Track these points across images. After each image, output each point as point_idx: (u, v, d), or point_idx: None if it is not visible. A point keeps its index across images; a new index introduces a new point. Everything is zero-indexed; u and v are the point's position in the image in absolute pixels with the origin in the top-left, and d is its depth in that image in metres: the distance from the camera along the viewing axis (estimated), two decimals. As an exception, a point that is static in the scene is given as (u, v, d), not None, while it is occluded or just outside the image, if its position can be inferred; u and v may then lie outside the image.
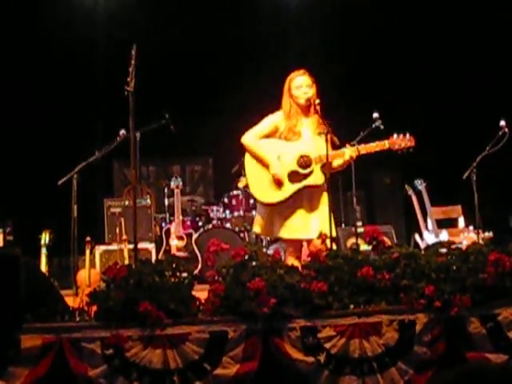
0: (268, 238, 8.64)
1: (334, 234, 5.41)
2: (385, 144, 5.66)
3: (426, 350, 4.32)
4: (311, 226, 5.54)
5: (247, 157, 5.75)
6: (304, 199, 5.62)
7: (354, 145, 5.70)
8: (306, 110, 5.71)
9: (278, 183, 5.58)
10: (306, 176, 5.60)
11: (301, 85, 5.67)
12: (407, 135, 5.67)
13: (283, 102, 5.74)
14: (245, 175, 5.90)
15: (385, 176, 11.02)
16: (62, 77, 9.90)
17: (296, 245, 5.69)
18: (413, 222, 9.58)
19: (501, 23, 9.94)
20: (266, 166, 5.64)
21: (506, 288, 4.46)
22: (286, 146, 5.64)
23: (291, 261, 5.49)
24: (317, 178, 5.58)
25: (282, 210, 5.62)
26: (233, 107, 9.96)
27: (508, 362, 4.35)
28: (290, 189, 5.59)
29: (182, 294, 4.31)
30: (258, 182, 5.70)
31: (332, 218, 5.41)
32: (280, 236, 5.71)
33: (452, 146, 9.85)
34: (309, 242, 5.57)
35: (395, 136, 5.67)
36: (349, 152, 5.60)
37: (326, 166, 5.46)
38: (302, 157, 5.61)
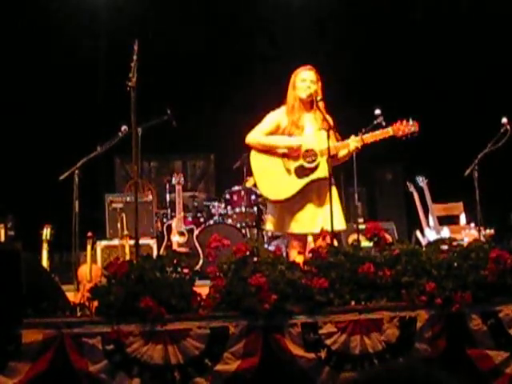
0: (269, 234, 8.64)
1: (340, 228, 5.46)
2: (389, 131, 5.66)
3: (426, 346, 4.32)
4: (318, 220, 5.55)
5: (253, 155, 5.74)
6: (312, 193, 5.63)
7: (358, 135, 5.69)
8: (308, 104, 5.71)
9: (312, 154, 5.59)
10: (312, 170, 5.60)
11: (305, 79, 5.68)
12: (410, 121, 5.66)
13: (288, 96, 5.75)
14: (251, 174, 5.90)
15: (386, 173, 11.03)
16: (64, 72, 9.90)
17: (301, 239, 5.70)
18: (414, 218, 9.58)
19: (503, 20, 9.92)
20: (279, 155, 5.64)
21: (507, 285, 4.46)
22: (290, 140, 5.65)
23: (294, 255, 5.50)
24: (324, 170, 5.57)
25: (291, 206, 5.62)
26: (234, 103, 9.96)
27: (508, 358, 4.36)
28: (297, 184, 5.59)
29: (183, 290, 4.32)
30: (266, 180, 5.70)
31: (341, 213, 5.49)
32: (290, 231, 5.71)
33: (454, 143, 9.85)
34: (314, 236, 5.57)
35: (398, 122, 5.67)
36: (353, 143, 5.60)
37: (329, 161, 5.46)
38: (307, 151, 5.61)
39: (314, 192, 5.63)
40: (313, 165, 5.60)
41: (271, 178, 5.67)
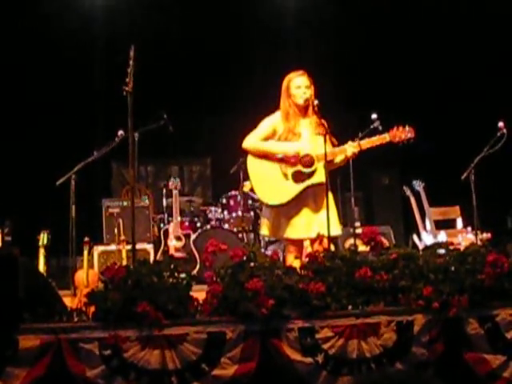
0: (266, 239, 8.64)
1: (336, 233, 5.46)
2: (385, 137, 5.67)
3: (424, 351, 4.31)
4: (315, 225, 5.54)
5: (250, 160, 5.74)
6: (309, 199, 5.62)
7: (355, 141, 5.70)
8: (304, 110, 5.71)
9: (310, 159, 5.60)
10: (310, 175, 5.61)
11: (299, 85, 5.67)
12: (406, 127, 5.67)
13: (282, 103, 5.74)
14: (248, 179, 5.89)
15: (383, 177, 11.04)
16: (61, 77, 9.90)
17: (297, 244, 5.69)
18: (411, 222, 9.58)
19: (501, 24, 9.95)
20: (276, 160, 5.64)
21: (504, 289, 4.46)
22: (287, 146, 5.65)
23: (291, 260, 5.49)
24: (321, 176, 5.57)
25: (287, 211, 5.62)
26: (231, 108, 9.97)
27: (506, 362, 4.36)
28: (294, 189, 5.59)
29: (181, 295, 4.31)
30: (263, 185, 5.69)
31: (337, 218, 5.53)
32: (286, 237, 5.70)
33: (450, 146, 9.86)
34: (311, 241, 5.57)
35: (395, 128, 5.68)
36: (351, 148, 5.61)
37: (325, 166, 5.47)
38: (304, 156, 5.62)
39: (311, 197, 5.63)
40: (310, 170, 5.60)
41: (268, 183, 5.66)
